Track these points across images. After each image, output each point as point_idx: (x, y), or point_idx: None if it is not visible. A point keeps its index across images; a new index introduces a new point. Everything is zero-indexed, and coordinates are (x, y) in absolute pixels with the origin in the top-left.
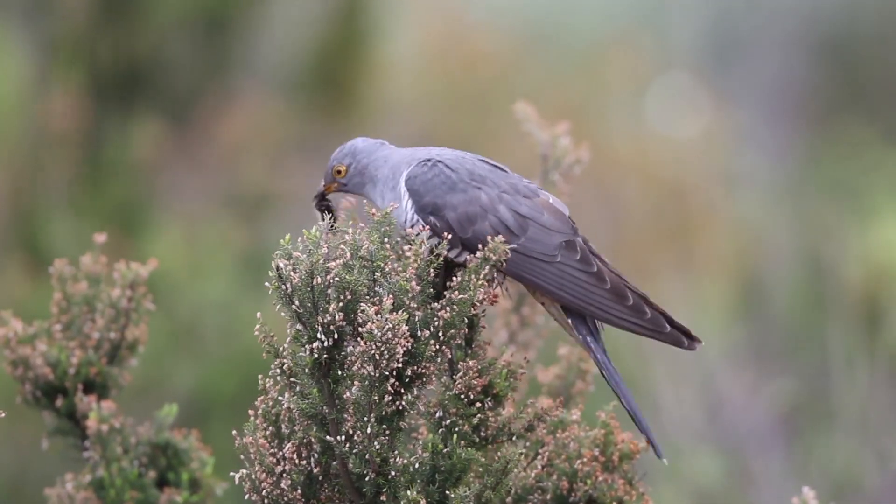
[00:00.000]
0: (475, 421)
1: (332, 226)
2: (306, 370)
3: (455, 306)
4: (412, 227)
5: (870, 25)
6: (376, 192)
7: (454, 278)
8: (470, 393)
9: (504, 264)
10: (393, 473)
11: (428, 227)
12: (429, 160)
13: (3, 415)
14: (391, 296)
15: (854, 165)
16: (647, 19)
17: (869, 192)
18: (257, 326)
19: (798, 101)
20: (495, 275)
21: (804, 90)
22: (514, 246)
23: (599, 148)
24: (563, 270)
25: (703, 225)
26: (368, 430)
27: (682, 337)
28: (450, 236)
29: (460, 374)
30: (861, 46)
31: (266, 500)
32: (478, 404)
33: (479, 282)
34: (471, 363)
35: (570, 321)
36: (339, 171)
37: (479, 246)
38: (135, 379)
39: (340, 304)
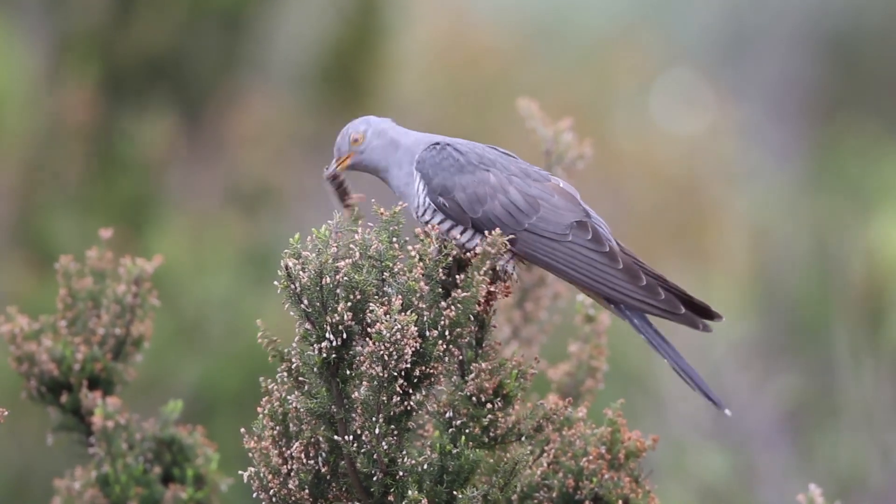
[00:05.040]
0: (485, 422)
1: (346, 205)
2: (315, 369)
3: (459, 304)
4: (423, 212)
5: (874, 22)
6: (397, 157)
7: (459, 276)
8: (482, 395)
9: (514, 245)
10: (401, 473)
11: (436, 212)
12: (438, 143)
13: (7, 413)
14: (400, 296)
15: (859, 161)
16: (652, 16)
17: (874, 188)
18: (260, 333)
19: (803, 98)
20: (507, 263)
21: (809, 86)
22: (521, 231)
23: (605, 144)
24: (575, 250)
25: (708, 221)
26: (377, 430)
27: (696, 319)
28: (459, 234)
29: (472, 375)
30: (866, 43)
31: (274, 500)
32: (489, 405)
33: (482, 277)
34: (483, 365)
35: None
36: (356, 140)
37: (485, 233)
38: (139, 375)
39: (349, 304)
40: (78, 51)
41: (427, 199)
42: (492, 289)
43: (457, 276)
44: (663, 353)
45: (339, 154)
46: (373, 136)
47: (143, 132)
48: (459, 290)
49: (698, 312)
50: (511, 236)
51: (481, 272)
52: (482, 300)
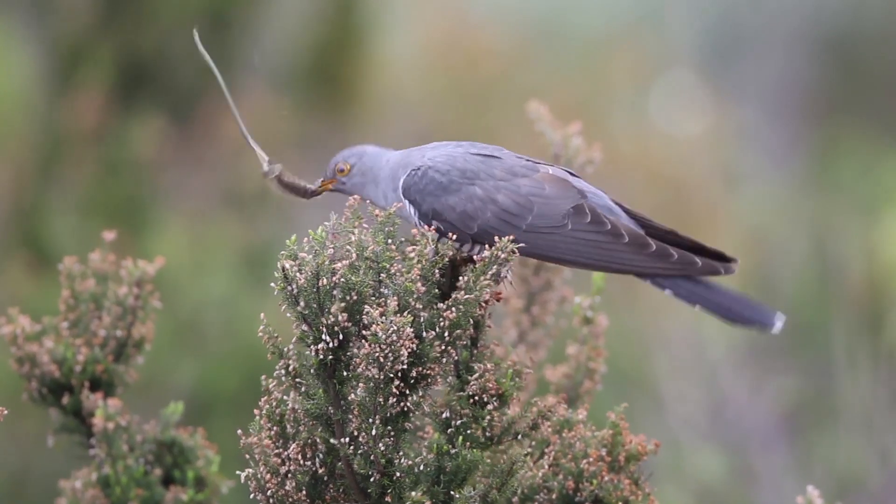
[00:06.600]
0: (485, 423)
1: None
2: (311, 371)
3: (461, 307)
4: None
5: (873, 23)
6: (378, 192)
7: (461, 278)
8: (484, 396)
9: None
10: (398, 474)
11: (434, 229)
12: (418, 168)
13: (6, 412)
14: (396, 297)
15: (858, 163)
16: (649, 17)
17: (873, 189)
18: (261, 328)
19: (801, 99)
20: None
21: (807, 88)
22: (521, 233)
23: (603, 145)
24: (576, 237)
25: (706, 223)
26: (373, 432)
27: (715, 265)
28: (455, 237)
29: (476, 375)
30: (864, 44)
31: (271, 500)
32: (489, 406)
33: (486, 282)
34: (488, 366)
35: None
36: (341, 170)
37: (489, 243)
38: (137, 376)
39: (345, 306)
40: (70, 54)
41: (421, 223)
42: (493, 291)
43: (456, 278)
44: (693, 300)
45: (325, 176)
46: (357, 173)
47: (136, 134)
48: (462, 292)
49: (715, 259)
50: (522, 245)
51: (486, 276)
52: (483, 303)
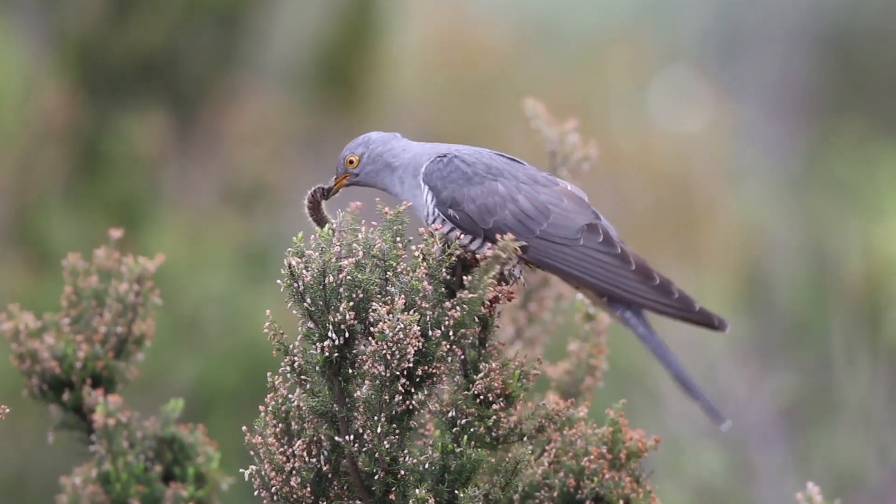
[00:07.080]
0: (490, 422)
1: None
2: (317, 368)
3: (465, 305)
4: (433, 221)
5: (872, 21)
6: (395, 178)
7: (466, 277)
8: (489, 395)
9: (526, 252)
10: (402, 472)
11: (445, 222)
12: (444, 156)
13: (8, 410)
14: (403, 295)
15: (856, 160)
16: (649, 14)
17: (871, 186)
18: (266, 324)
19: (800, 96)
20: (514, 267)
21: (806, 85)
22: (533, 239)
23: (602, 143)
24: (587, 254)
25: (705, 219)
26: (378, 430)
27: (712, 316)
28: (462, 235)
29: (481, 374)
30: (863, 41)
31: (275, 497)
32: (495, 405)
33: (490, 280)
34: (493, 365)
35: (604, 300)
36: (351, 161)
37: (496, 238)
38: (137, 373)
39: (352, 303)
40: (73, 49)
41: (437, 211)
42: (497, 292)
43: (463, 277)
44: (667, 363)
45: (336, 173)
46: (367, 161)
47: (137, 130)
48: (466, 292)
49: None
50: (523, 244)
51: (490, 275)
52: (488, 302)
